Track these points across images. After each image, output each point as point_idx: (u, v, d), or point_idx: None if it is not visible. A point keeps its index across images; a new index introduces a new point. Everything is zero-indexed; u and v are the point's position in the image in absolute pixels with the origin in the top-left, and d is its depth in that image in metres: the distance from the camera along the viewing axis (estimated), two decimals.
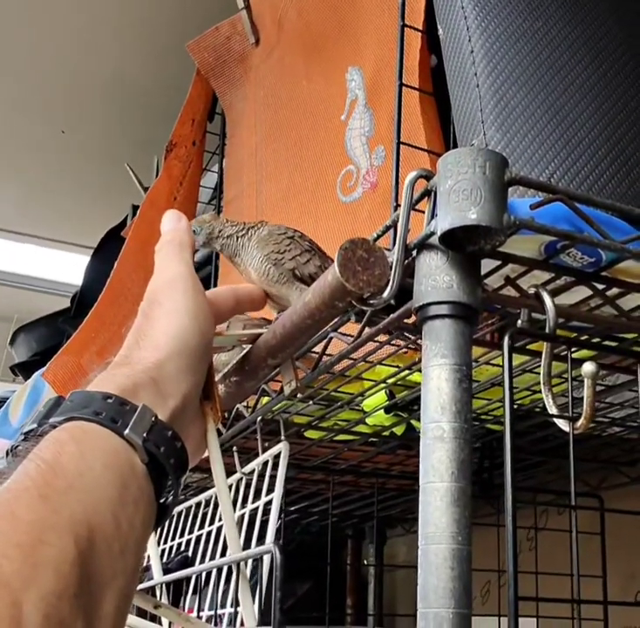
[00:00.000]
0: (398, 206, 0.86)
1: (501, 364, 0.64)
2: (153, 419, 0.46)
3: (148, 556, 1.23)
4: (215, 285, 1.57)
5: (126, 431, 0.44)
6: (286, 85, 1.40)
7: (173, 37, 1.94)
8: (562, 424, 0.68)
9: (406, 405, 1.08)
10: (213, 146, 1.72)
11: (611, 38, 0.79)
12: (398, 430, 1.18)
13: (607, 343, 0.81)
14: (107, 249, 2.10)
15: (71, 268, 3.04)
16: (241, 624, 0.80)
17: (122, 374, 0.49)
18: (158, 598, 1.06)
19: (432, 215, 0.65)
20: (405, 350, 0.93)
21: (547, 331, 0.67)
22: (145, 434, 0.45)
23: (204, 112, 1.63)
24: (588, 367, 0.64)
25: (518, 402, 1.06)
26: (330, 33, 1.27)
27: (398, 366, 0.98)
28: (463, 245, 0.64)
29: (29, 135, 2.45)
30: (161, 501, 0.48)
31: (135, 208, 1.92)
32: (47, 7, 2.00)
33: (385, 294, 0.66)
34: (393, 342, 0.87)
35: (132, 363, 0.50)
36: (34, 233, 2.98)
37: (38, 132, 2.42)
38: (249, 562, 0.88)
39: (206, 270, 1.77)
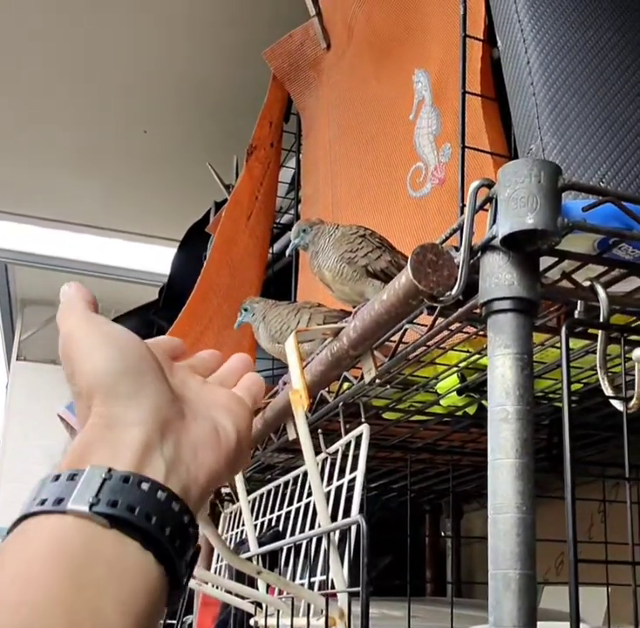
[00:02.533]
0: (464, 206, 0.93)
1: (569, 349, 0.72)
2: (104, 474, 0.42)
3: (244, 531, 1.32)
4: (296, 277, 1.66)
5: (68, 506, 0.40)
6: (357, 86, 1.47)
7: (243, 39, 2.02)
8: (617, 404, 0.74)
9: (477, 386, 1.15)
10: (288, 143, 1.81)
11: None
12: (471, 410, 1.25)
13: None
14: (191, 244, 2.21)
15: (151, 259, 3.16)
16: (331, 587, 0.89)
17: (75, 443, 0.45)
18: None
19: (494, 220, 0.72)
20: (474, 336, 1.00)
21: (601, 320, 0.74)
22: (91, 499, 0.40)
23: (280, 114, 1.72)
24: (638, 353, 0.70)
25: (584, 381, 1.12)
26: (397, 37, 1.34)
27: (468, 351, 1.05)
28: (522, 246, 0.71)
29: (113, 135, 2.56)
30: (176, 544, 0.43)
31: (217, 204, 2.02)
32: (127, 16, 2.10)
33: (454, 291, 0.74)
34: (464, 330, 0.95)
35: (86, 424, 0.46)
36: (118, 227, 3.10)
37: (122, 132, 2.54)
38: (337, 534, 0.96)
39: (282, 261, 1.87)
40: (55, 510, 0.40)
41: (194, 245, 2.11)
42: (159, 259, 3.01)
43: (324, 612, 0.83)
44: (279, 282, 1.82)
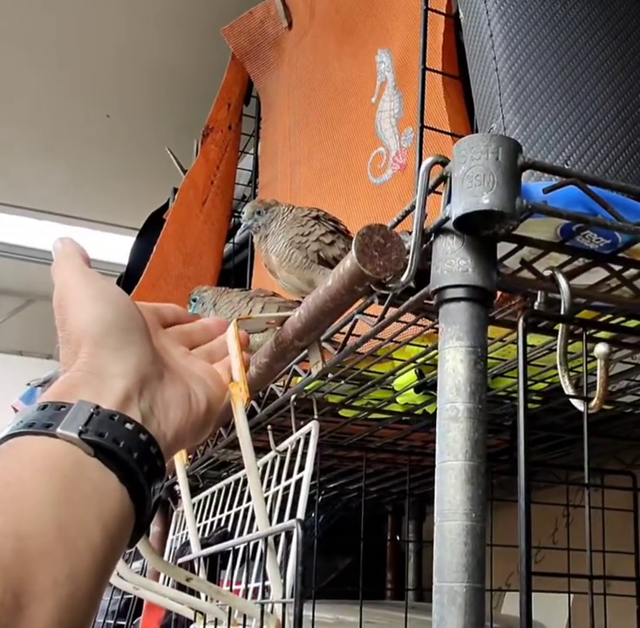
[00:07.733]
0: None
1: (527, 344, 0.66)
2: (92, 409, 0.45)
3: (188, 532, 1.26)
4: (251, 265, 1.59)
5: (58, 429, 0.43)
6: (318, 67, 1.41)
7: (210, 22, 1.96)
8: (578, 404, 0.69)
9: (436, 384, 1.09)
10: (250, 128, 1.74)
11: (628, 20, 0.79)
12: (431, 408, 1.19)
13: (631, 322, 0.81)
14: (150, 232, 2.14)
15: (115, 248, 3.09)
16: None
17: (59, 382, 0.48)
18: (196, 572, 1.09)
19: (448, 200, 0.66)
20: (432, 330, 0.94)
21: (562, 312, 0.68)
22: (81, 427, 0.43)
23: (239, 96, 1.66)
24: (600, 348, 0.65)
25: (548, 380, 1.07)
26: (359, 16, 1.28)
27: (426, 346, 0.99)
28: (478, 229, 0.65)
29: (75, 120, 2.50)
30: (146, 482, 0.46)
31: (176, 191, 1.95)
32: (91, 1, 2.05)
33: (403, 278, 0.68)
34: (419, 322, 0.89)
35: (71, 368, 0.49)
36: (81, 215, 3.04)
37: (84, 117, 2.48)
38: (283, 537, 0.91)
39: (244, 253, 1.80)
40: (44, 433, 0.43)
41: (153, 234, 2.03)
42: (122, 249, 2.95)
43: (260, 622, 0.77)
44: (240, 274, 1.76)
